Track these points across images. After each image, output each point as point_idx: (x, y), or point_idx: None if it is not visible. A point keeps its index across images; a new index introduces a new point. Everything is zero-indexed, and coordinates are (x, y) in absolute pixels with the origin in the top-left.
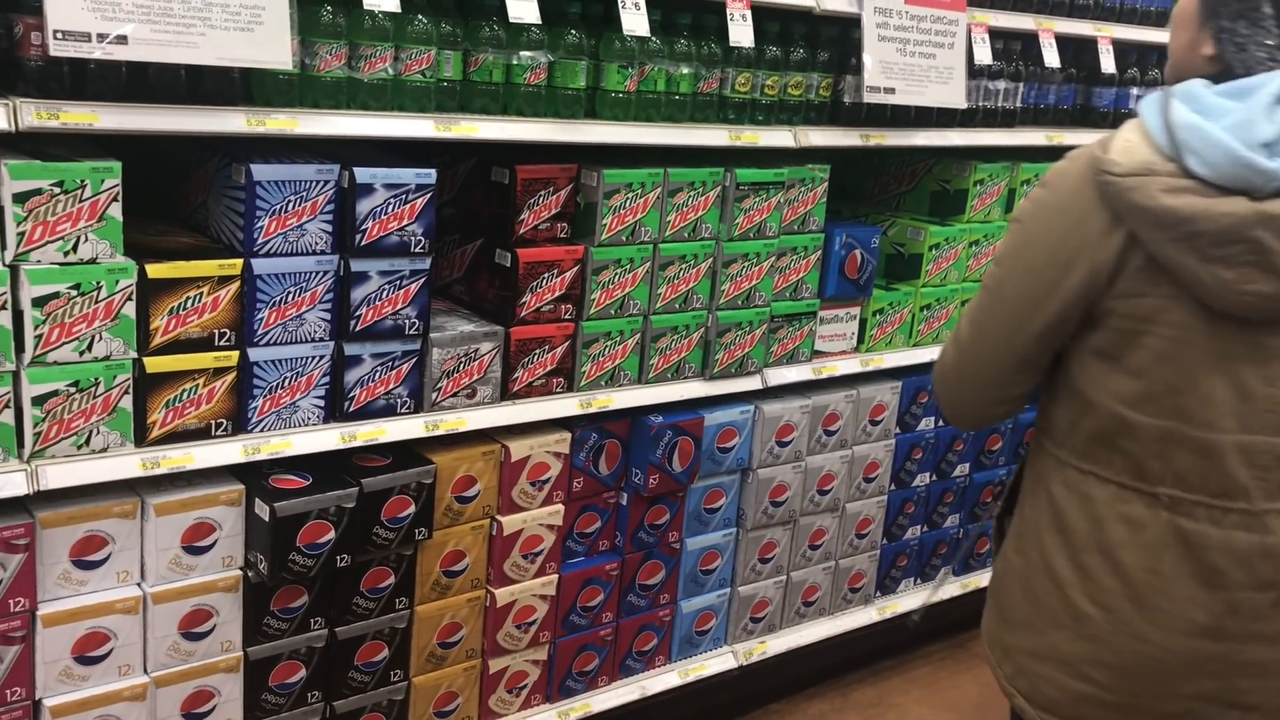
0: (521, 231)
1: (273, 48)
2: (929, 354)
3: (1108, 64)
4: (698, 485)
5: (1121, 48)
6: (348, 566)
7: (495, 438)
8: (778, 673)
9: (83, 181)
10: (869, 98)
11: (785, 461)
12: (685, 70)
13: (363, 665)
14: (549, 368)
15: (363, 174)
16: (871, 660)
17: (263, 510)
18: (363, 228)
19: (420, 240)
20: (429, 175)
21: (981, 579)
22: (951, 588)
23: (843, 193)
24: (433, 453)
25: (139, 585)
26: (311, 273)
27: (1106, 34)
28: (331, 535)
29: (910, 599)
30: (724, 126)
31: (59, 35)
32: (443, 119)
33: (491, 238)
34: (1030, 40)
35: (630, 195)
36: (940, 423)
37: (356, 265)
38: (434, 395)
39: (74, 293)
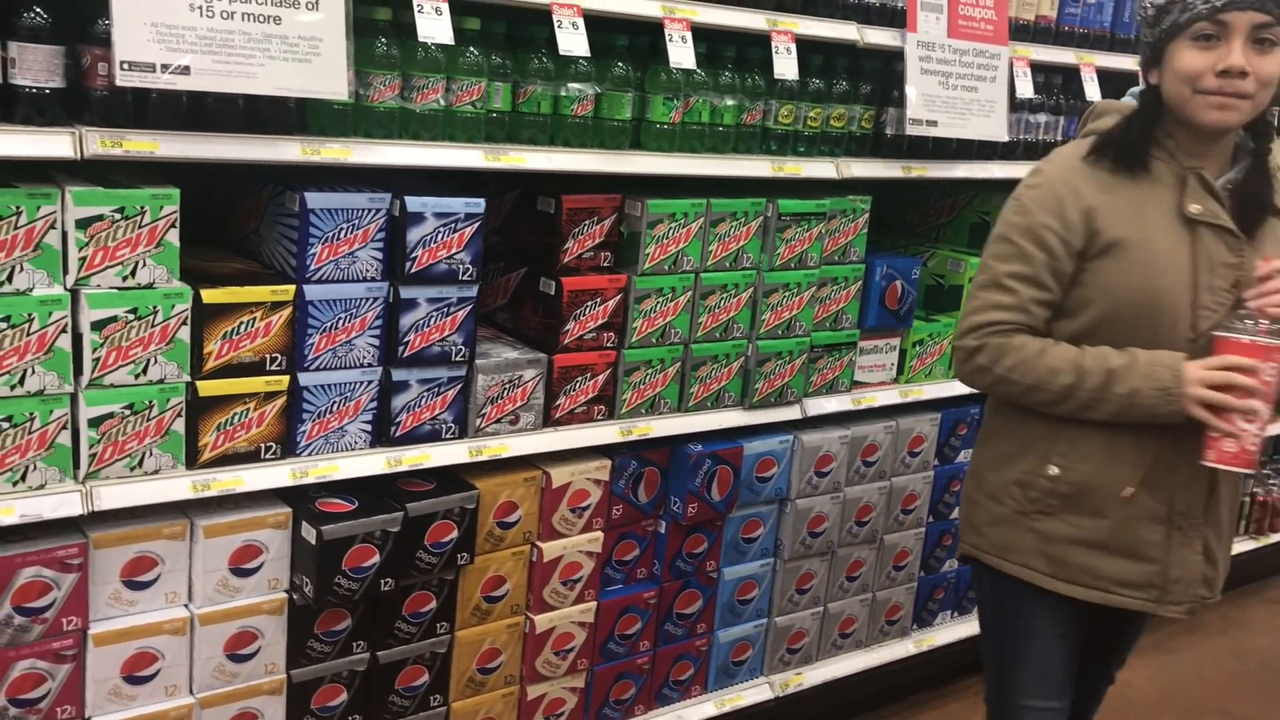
0: (566, 260)
1: (330, 79)
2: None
3: None
4: (736, 515)
5: None
6: (391, 590)
7: (537, 464)
8: (813, 705)
9: (143, 208)
10: (912, 130)
11: (824, 492)
12: (729, 102)
13: (403, 690)
14: (590, 395)
15: (414, 203)
16: (907, 694)
17: (309, 533)
18: (413, 255)
19: (468, 268)
20: (478, 205)
21: None
22: None
23: (882, 224)
24: (475, 478)
25: (186, 606)
26: (362, 299)
27: None
28: (376, 559)
29: (946, 632)
30: (766, 158)
31: (125, 66)
32: (492, 149)
33: (536, 266)
34: (1071, 74)
35: (673, 225)
36: None
37: (406, 292)
38: (478, 421)
39: (131, 317)
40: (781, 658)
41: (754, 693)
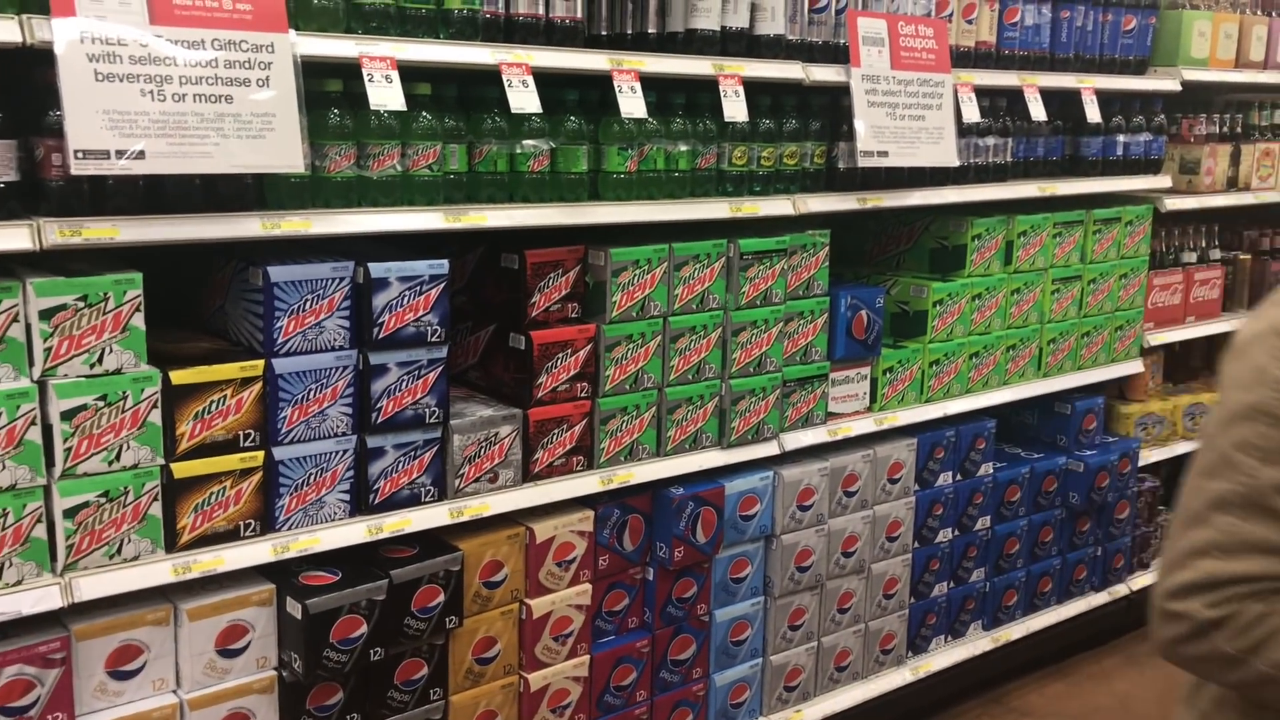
0: (534, 314)
1: (285, 153)
2: (941, 409)
3: (1093, 114)
4: (723, 555)
5: (1105, 97)
6: (381, 660)
7: (519, 520)
8: None
9: (106, 294)
10: (863, 162)
11: (808, 525)
12: (683, 148)
13: None
14: (568, 446)
15: (377, 269)
16: None
17: (294, 608)
18: (380, 321)
19: (436, 329)
20: (442, 266)
21: (1012, 632)
22: (983, 642)
23: (844, 255)
24: (458, 539)
25: (175, 692)
26: (331, 369)
27: (1089, 85)
28: (364, 629)
29: (942, 657)
30: (724, 199)
31: (80, 155)
32: (452, 210)
33: (504, 322)
34: (1016, 96)
35: (638, 272)
36: (959, 477)
37: (375, 358)
38: (457, 482)
39: (101, 404)
40: (780, 696)
41: None
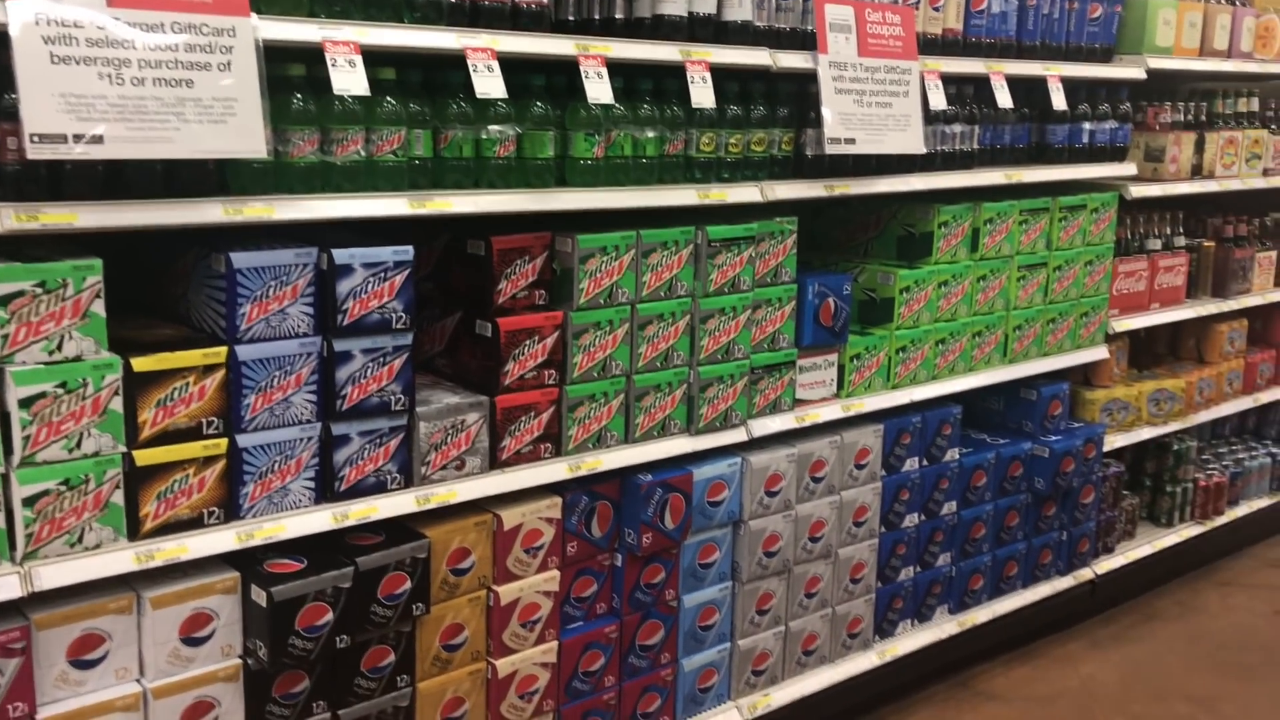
0: (500, 301)
1: (247, 138)
2: (908, 396)
3: (1059, 102)
4: (691, 541)
5: (1071, 85)
6: (348, 647)
7: (487, 508)
8: None
9: (64, 280)
10: (830, 149)
11: (775, 511)
12: (650, 134)
13: None
14: (536, 434)
15: (341, 255)
16: (875, 705)
17: (259, 596)
18: (344, 308)
19: (401, 316)
20: (406, 252)
21: (978, 616)
22: (949, 626)
23: (811, 243)
24: (425, 527)
25: (138, 681)
26: (295, 355)
27: (1055, 73)
28: (330, 617)
29: (908, 641)
30: (692, 186)
31: (36, 139)
32: (417, 196)
33: (471, 309)
34: (983, 84)
35: (605, 259)
36: (925, 462)
37: (340, 345)
38: (423, 469)
39: (61, 391)
40: (748, 680)
41: (723, 718)
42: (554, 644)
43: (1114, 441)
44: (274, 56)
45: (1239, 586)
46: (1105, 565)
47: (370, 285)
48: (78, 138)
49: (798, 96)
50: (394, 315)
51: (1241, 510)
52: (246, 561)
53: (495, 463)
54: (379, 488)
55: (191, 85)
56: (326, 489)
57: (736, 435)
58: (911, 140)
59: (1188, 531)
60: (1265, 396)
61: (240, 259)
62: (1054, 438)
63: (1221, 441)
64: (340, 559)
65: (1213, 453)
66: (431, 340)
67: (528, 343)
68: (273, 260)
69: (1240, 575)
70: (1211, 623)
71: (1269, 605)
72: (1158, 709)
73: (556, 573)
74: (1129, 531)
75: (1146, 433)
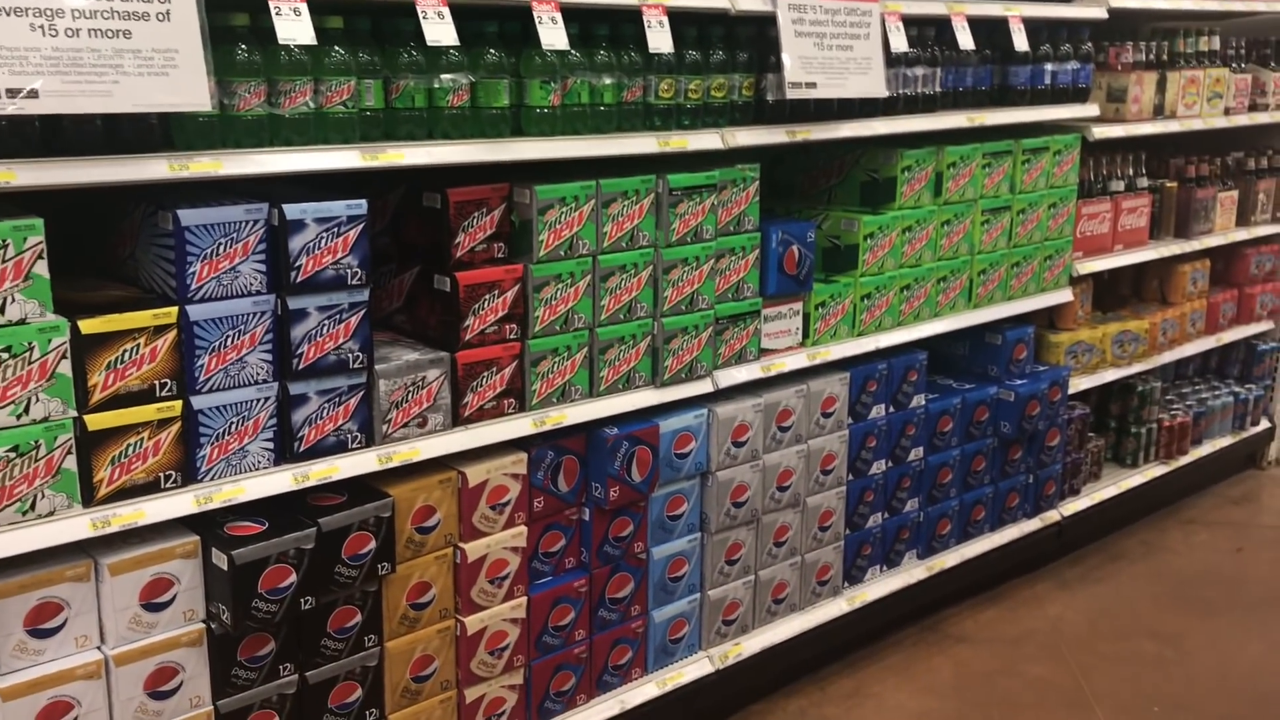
0: (459, 255)
1: (189, 91)
2: (874, 343)
3: (1020, 42)
4: (659, 493)
5: (1033, 26)
6: (313, 608)
7: (451, 465)
8: (755, 673)
9: (5, 241)
10: (791, 94)
11: (743, 461)
12: (608, 81)
13: (337, 707)
14: (499, 389)
15: (293, 210)
16: (846, 651)
17: (220, 560)
18: (297, 264)
19: (357, 272)
20: (359, 206)
21: (946, 560)
22: (918, 571)
23: (774, 190)
24: (388, 485)
25: (99, 648)
26: (249, 314)
27: (1016, 13)
28: (293, 579)
29: (877, 587)
30: (651, 133)
31: None
32: (368, 148)
33: (429, 264)
34: (944, 25)
35: (565, 209)
36: (891, 409)
37: (294, 303)
38: (384, 427)
39: (5, 355)
40: (718, 630)
41: (694, 668)
42: (523, 599)
43: (1079, 384)
44: (216, 6)
45: (1202, 524)
46: (1071, 507)
47: (323, 240)
48: (12, 93)
49: (758, 40)
50: (349, 271)
51: (1205, 449)
52: (207, 525)
53: (458, 419)
54: (340, 447)
55: (129, 36)
56: (286, 450)
57: (702, 386)
58: (873, 83)
59: (1152, 472)
60: (1228, 336)
61: (188, 216)
62: (1019, 381)
63: (1185, 382)
64: (302, 520)
65: (1176, 393)
66: (390, 296)
67: (487, 297)
68: (222, 217)
69: (1203, 513)
70: (1175, 560)
71: (1230, 542)
72: (1124, 646)
73: (524, 528)
74: (1095, 473)
75: (1111, 374)
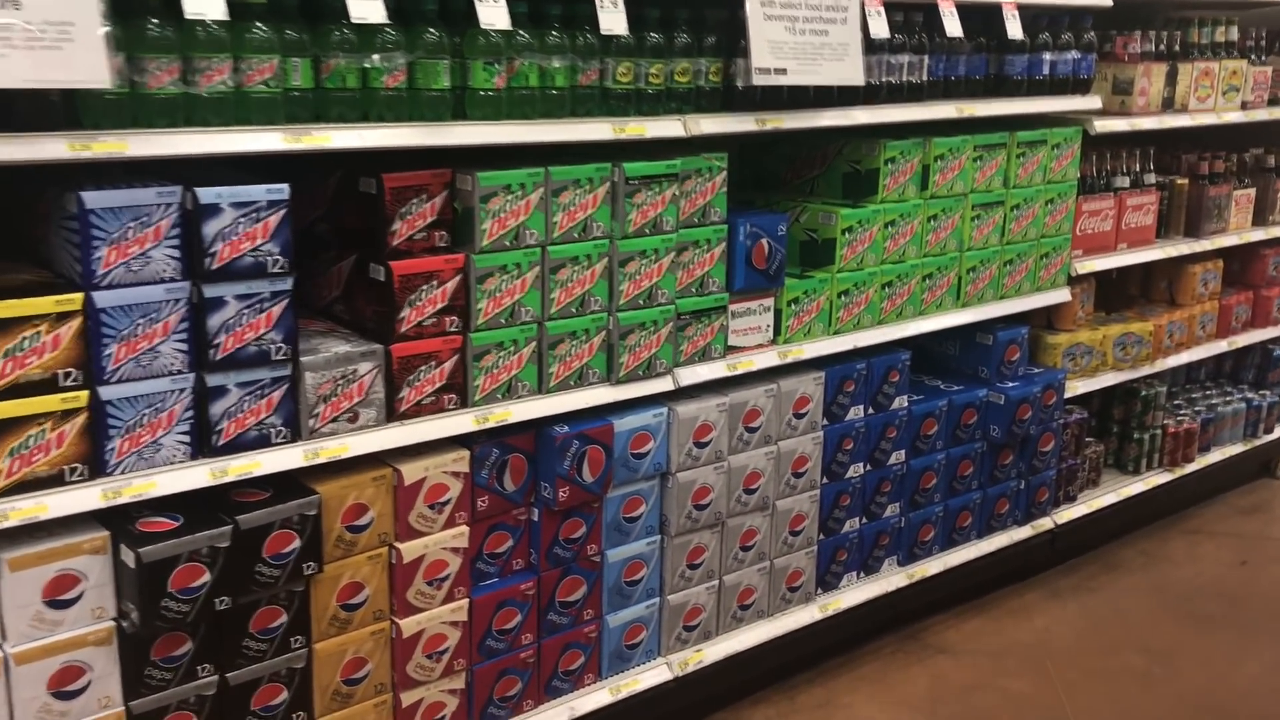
0: (395, 243)
1: (85, 66)
2: (851, 341)
3: (1014, 30)
4: (614, 494)
5: (1030, 13)
6: (230, 609)
7: (386, 461)
8: (718, 680)
9: None
10: (758, 80)
11: (706, 463)
12: (558, 63)
13: (261, 710)
14: (438, 384)
15: (206, 194)
16: (819, 660)
17: (128, 557)
18: (212, 251)
19: (278, 260)
20: (281, 191)
21: (928, 568)
22: (897, 578)
23: (758, 181)
24: (319, 482)
25: None
26: (161, 302)
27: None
28: (207, 578)
29: (854, 594)
30: (606, 120)
31: None
32: (293, 130)
33: (365, 252)
34: (931, 11)
35: (510, 198)
36: (871, 410)
37: (210, 291)
38: (312, 422)
39: None
40: (679, 636)
41: (652, 675)
42: (464, 602)
43: (1076, 387)
44: None
45: (1207, 535)
46: (1066, 514)
47: (241, 226)
48: None
49: (728, 24)
50: (270, 258)
51: (1214, 457)
52: (120, 520)
53: (393, 414)
54: (262, 442)
55: (19, 8)
56: (203, 443)
57: (662, 384)
58: (849, 71)
59: (1155, 479)
60: (1241, 340)
61: (93, 198)
62: (1010, 384)
63: (1195, 386)
64: (219, 517)
65: (1185, 398)
66: (329, 285)
67: (425, 287)
68: (131, 200)
69: (1209, 523)
70: (1176, 572)
71: (1235, 554)
72: (1112, 662)
73: (465, 528)
74: (1093, 479)
75: (1111, 378)
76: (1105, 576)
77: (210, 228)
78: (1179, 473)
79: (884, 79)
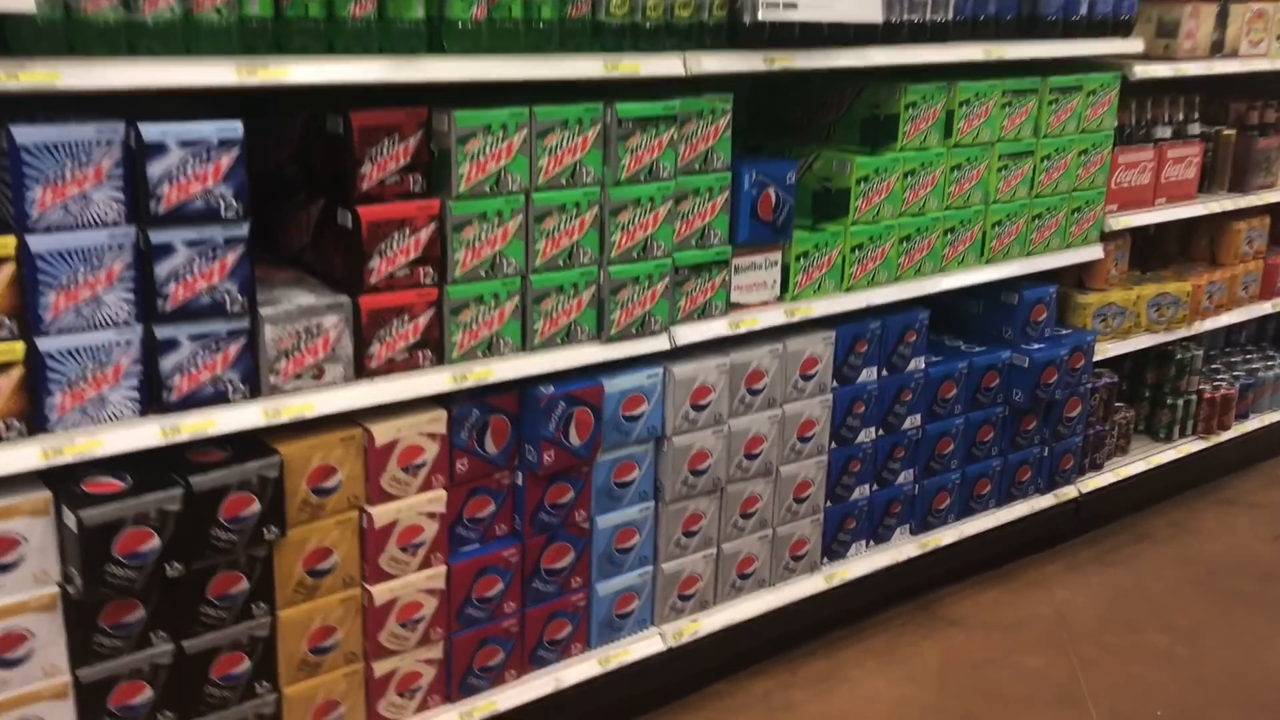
0: (365, 188)
1: None
2: (865, 299)
3: None
4: (604, 458)
5: None
6: (183, 574)
7: (357, 421)
8: (715, 652)
9: None
10: (765, 15)
11: (704, 426)
12: None
13: (221, 679)
14: (412, 339)
15: (151, 131)
16: (824, 630)
17: (70, 519)
18: (158, 193)
19: (232, 204)
20: (234, 129)
21: (942, 537)
22: (909, 548)
23: (771, 125)
24: (283, 442)
25: None
26: (104, 247)
27: None
28: (156, 543)
29: (862, 563)
30: (597, 56)
31: None
32: (247, 62)
33: (333, 196)
34: None
35: (490, 139)
36: (884, 372)
37: (156, 236)
38: (273, 378)
39: None
40: (673, 605)
41: (644, 645)
42: (442, 569)
43: (1107, 350)
44: None
45: (1242, 506)
46: (1092, 483)
47: (190, 167)
48: None
49: None
50: (222, 202)
51: (1252, 424)
52: (65, 480)
53: (362, 371)
54: (218, 398)
55: None
56: (154, 399)
57: (658, 343)
58: (866, 7)
59: (1188, 447)
60: None
61: (24, 134)
62: (1035, 346)
63: (1235, 350)
64: (170, 478)
65: (1224, 362)
66: (298, 232)
67: (396, 235)
68: (67, 136)
69: (1245, 494)
70: (1206, 545)
71: (1270, 528)
72: (1133, 639)
73: (443, 492)
74: (1122, 447)
75: (1145, 340)
76: (1131, 548)
77: (156, 168)
78: (1214, 440)
79: (905, 17)
